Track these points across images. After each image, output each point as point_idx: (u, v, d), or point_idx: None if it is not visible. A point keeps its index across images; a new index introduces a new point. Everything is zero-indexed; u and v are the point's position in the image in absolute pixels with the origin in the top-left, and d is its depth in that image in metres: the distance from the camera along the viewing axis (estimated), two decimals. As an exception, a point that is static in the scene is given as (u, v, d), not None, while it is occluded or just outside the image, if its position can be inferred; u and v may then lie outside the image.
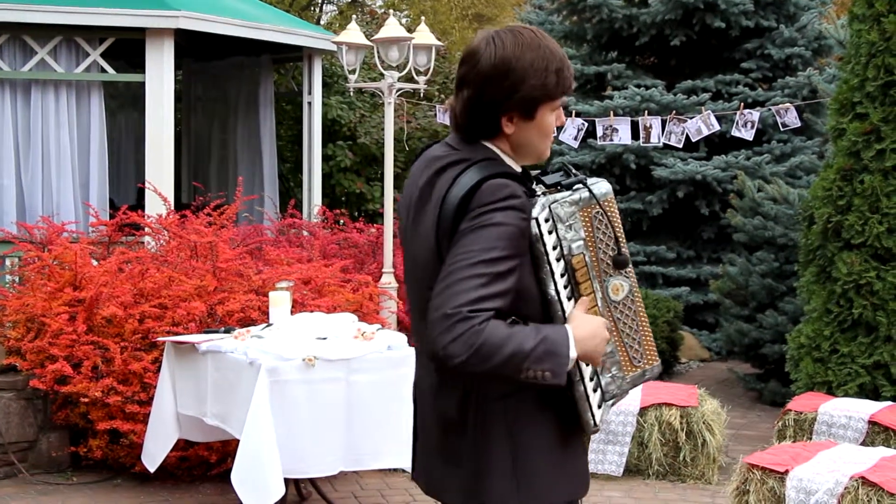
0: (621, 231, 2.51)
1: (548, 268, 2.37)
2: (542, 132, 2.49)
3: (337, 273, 6.78)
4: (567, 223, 2.40)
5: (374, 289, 7.01)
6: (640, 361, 2.55)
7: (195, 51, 11.03)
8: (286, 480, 4.74)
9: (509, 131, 2.46)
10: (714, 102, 10.42)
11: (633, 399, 6.21)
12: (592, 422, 2.45)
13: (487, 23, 23.05)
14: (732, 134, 9.81)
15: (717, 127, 9.72)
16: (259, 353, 4.78)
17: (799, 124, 9.64)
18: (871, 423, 5.95)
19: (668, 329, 9.23)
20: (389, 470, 5.96)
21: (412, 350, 5.08)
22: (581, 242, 2.42)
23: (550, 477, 2.46)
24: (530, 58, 2.40)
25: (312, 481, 5.67)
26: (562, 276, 2.39)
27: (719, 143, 10.62)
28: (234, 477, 4.63)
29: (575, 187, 2.46)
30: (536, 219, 2.36)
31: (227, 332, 5.26)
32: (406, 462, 5.01)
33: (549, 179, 2.51)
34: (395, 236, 8.31)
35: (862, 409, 6.07)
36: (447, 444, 2.52)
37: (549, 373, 2.28)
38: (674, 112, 9.98)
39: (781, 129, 9.78)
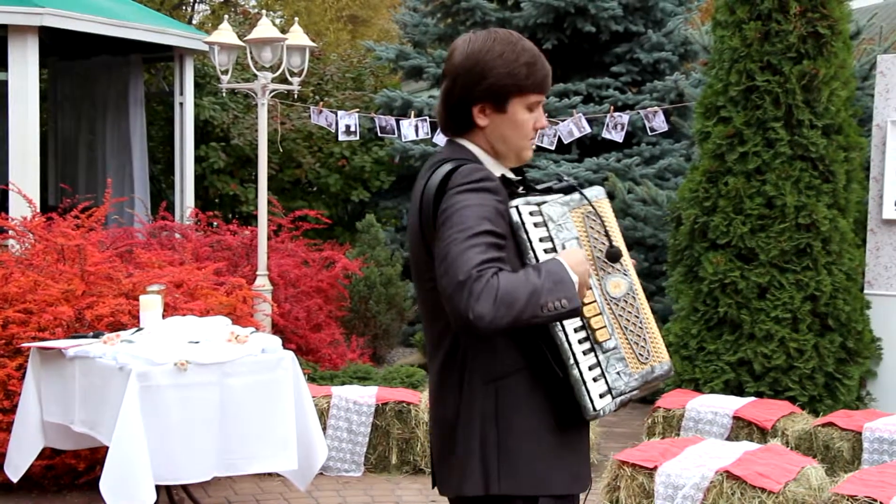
0: (615, 228, 2.54)
1: (532, 255, 2.40)
2: (517, 127, 2.54)
3: (210, 276, 6.69)
4: (558, 223, 2.45)
5: (247, 291, 6.93)
6: (647, 358, 2.52)
7: (61, 49, 10.74)
8: (157, 487, 4.65)
9: (482, 123, 2.51)
10: (585, 105, 10.59)
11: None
12: (591, 406, 2.40)
13: (362, 24, 22.99)
14: (603, 136, 9.99)
15: (588, 129, 9.89)
16: (129, 358, 4.68)
17: (666, 128, 9.86)
18: (736, 418, 6.15)
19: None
20: (264, 474, 5.91)
21: (287, 353, 5.06)
22: (574, 241, 2.45)
23: (539, 464, 2.42)
24: (500, 50, 2.48)
25: (185, 487, 5.57)
26: None
27: (590, 146, 10.79)
28: (103, 484, 4.52)
29: (568, 192, 2.52)
30: (517, 207, 2.41)
31: (95, 336, 5.14)
32: (280, 466, 4.97)
33: (540, 186, 2.58)
34: (269, 238, 8.23)
35: (727, 405, 6.26)
36: (446, 438, 2.51)
37: (565, 300, 2.30)
38: (546, 114, 10.11)
39: (650, 133, 9.99)
